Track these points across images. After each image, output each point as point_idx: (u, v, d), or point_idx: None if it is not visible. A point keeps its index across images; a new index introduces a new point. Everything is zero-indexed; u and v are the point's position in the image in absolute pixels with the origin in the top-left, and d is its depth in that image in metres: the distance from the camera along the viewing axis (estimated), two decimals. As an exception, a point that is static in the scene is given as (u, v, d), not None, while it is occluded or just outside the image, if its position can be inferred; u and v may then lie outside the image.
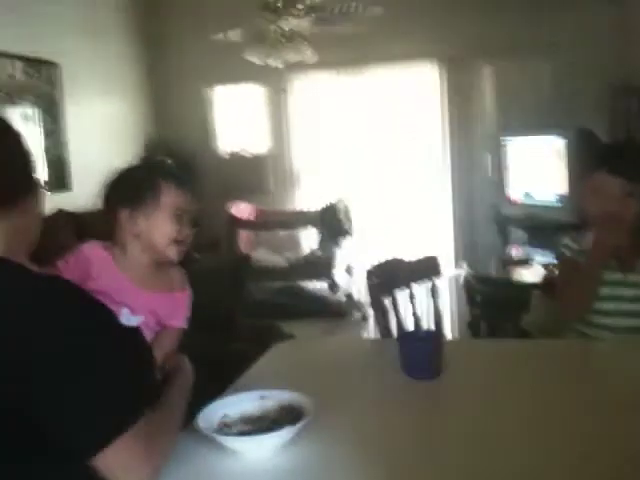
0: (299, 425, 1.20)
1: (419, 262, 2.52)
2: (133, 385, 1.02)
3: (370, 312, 4.94)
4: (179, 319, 1.56)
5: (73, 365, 0.96)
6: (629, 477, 1.07)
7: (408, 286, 2.35)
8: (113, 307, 1.22)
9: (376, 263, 2.38)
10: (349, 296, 5.35)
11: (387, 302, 2.26)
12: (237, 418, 1.27)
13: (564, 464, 1.12)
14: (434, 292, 2.40)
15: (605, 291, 2.04)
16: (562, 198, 4.38)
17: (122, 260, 1.52)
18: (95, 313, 1.03)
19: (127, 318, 1.42)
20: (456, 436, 1.26)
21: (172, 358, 1.44)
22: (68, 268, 1.46)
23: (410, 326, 2.24)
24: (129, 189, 1.52)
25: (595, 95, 4.89)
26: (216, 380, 1.55)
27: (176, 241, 1.52)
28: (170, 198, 1.51)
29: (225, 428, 1.24)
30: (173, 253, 1.53)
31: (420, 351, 1.52)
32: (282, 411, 1.28)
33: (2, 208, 1.04)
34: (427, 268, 2.48)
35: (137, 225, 1.50)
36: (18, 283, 1.00)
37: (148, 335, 1.47)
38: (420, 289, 2.41)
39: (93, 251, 1.52)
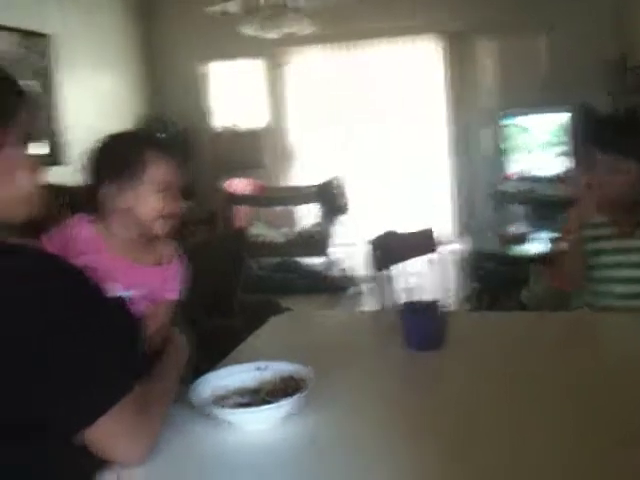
0: (298, 397, 1.16)
1: (417, 234, 2.49)
2: (120, 358, 0.98)
3: (365, 287, 4.92)
4: (171, 291, 1.51)
5: (55, 339, 0.91)
6: (627, 451, 1.03)
7: (406, 258, 2.31)
8: (101, 282, 1.17)
9: (375, 236, 2.35)
10: (344, 271, 5.31)
11: (386, 274, 2.22)
12: (233, 390, 1.23)
13: (564, 438, 1.08)
14: (433, 265, 2.36)
15: (606, 259, 2.05)
16: (561, 173, 4.35)
17: (109, 234, 1.47)
18: (77, 283, 0.98)
19: (116, 292, 1.38)
20: (458, 408, 1.22)
21: (165, 330, 1.39)
22: (52, 243, 1.41)
23: (410, 298, 2.20)
24: (114, 160, 1.45)
25: (595, 71, 4.82)
26: (212, 354, 1.51)
27: (163, 216, 1.47)
28: (157, 171, 1.44)
29: (220, 400, 1.19)
30: (160, 228, 1.48)
31: (423, 322, 1.48)
32: (280, 383, 1.23)
33: None
34: (425, 240, 2.44)
35: (123, 199, 1.44)
36: None
37: (139, 309, 1.43)
38: (418, 262, 2.38)
39: (79, 226, 1.46)
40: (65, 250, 1.40)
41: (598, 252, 2.07)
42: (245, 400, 1.20)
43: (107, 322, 0.98)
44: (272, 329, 1.77)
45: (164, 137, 1.61)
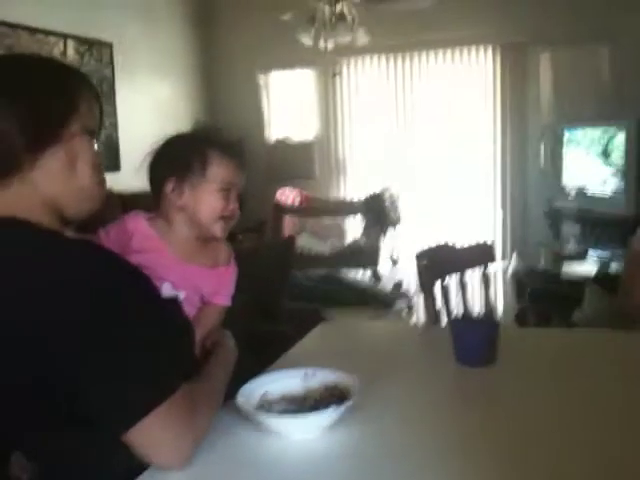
0: (345, 405, 1.13)
1: (471, 249, 2.43)
2: (168, 357, 0.96)
3: (415, 302, 4.85)
4: (223, 296, 1.50)
5: (100, 333, 0.89)
6: None
7: (458, 273, 2.26)
8: (155, 281, 1.17)
9: (426, 248, 2.30)
10: (397, 285, 5.25)
11: (437, 288, 2.17)
12: (279, 397, 1.20)
13: (615, 459, 1.03)
14: (486, 280, 2.30)
15: None
16: (619, 191, 4.21)
17: (166, 233, 1.46)
18: (129, 280, 0.97)
19: (169, 292, 1.37)
20: (509, 424, 1.17)
21: (214, 334, 1.37)
22: (109, 239, 1.41)
23: (460, 313, 2.15)
24: (176, 158, 1.45)
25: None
26: (259, 359, 1.50)
27: (222, 216, 1.45)
28: (219, 170, 1.43)
29: (267, 406, 1.17)
30: (219, 229, 1.46)
31: (475, 335, 1.44)
32: (326, 391, 1.20)
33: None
34: (479, 255, 2.39)
35: (182, 197, 1.43)
36: (43, 246, 0.94)
37: (191, 312, 1.42)
38: (471, 277, 2.33)
39: (136, 222, 1.46)
40: (121, 246, 1.40)
41: None
42: (292, 407, 1.18)
43: (158, 320, 0.97)
44: (320, 336, 1.74)
45: (226, 138, 1.59)
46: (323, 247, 5.58)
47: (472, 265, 2.33)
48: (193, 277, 1.45)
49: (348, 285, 5.33)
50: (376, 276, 5.33)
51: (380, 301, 5.06)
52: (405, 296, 5.08)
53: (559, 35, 5.02)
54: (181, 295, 1.39)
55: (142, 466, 0.97)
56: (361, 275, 5.49)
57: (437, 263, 2.24)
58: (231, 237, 1.58)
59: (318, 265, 5.44)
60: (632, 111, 4.37)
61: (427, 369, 1.50)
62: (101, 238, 1.42)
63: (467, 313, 2.15)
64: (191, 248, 1.47)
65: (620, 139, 4.21)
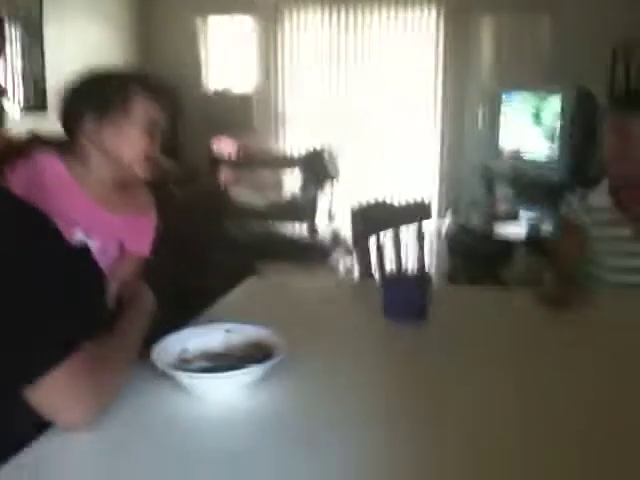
0: (267, 364, 1.07)
1: (407, 206, 2.41)
2: (73, 311, 0.88)
3: (346, 257, 4.85)
4: (142, 246, 1.42)
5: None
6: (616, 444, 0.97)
7: (392, 229, 2.23)
8: (66, 228, 1.07)
9: (362, 204, 2.26)
10: (334, 236, 5.21)
11: (371, 244, 2.14)
12: (198, 353, 1.14)
13: (546, 421, 1.02)
14: (420, 237, 2.28)
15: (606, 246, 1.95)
16: (552, 156, 4.28)
17: (83, 176, 1.36)
18: (28, 228, 0.88)
19: (80, 240, 1.28)
20: (434, 385, 1.15)
21: (131, 286, 1.28)
22: (17, 177, 1.30)
23: (393, 269, 2.13)
24: (97, 94, 1.34)
25: (596, 54, 4.72)
26: (180, 313, 1.43)
27: (145, 157, 1.37)
28: (144, 108, 1.34)
29: (184, 363, 1.10)
30: (142, 170, 1.38)
31: (406, 292, 1.40)
32: (249, 348, 1.15)
33: None
34: (415, 213, 2.36)
35: (103, 136, 1.33)
36: None
37: (106, 262, 1.33)
38: (404, 233, 2.30)
39: (49, 162, 1.35)
40: (30, 186, 1.30)
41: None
42: (212, 364, 1.11)
43: (61, 273, 0.88)
44: (246, 292, 1.68)
45: (151, 76, 1.49)
46: (260, 200, 5.49)
47: (407, 222, 2.31)
48: (111, 225, 1.37)
49: (284, 239, 5.29)
50: (313, 230, 5.29)
51: (316, 254, 5.04)
52: (341, 248, 5.06)
53: (502, 1, 4.99)
54: (93, 244, 1.30)
55: (46, 425, 0.90)
56: (298, 229, 5.45)
57: (372, 219, 2.20)
58: (161, 186, 1.49)
59: (254, 218, 5.36)
60: (569, 79, 4.40)
61: (357, 326, 1.47)
62: (7, 177, 1.31)
63: (400, 270, 2.13)
64: (108, 192, 1.38)
65: (556, 106, 4.25)
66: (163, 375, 1.07)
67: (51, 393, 0.85)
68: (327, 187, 5.43)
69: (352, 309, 1.61)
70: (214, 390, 1.07)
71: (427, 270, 2.28)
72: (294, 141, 5.80)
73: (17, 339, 0.83)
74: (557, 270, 1.86)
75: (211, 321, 1.27)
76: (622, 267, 1.93)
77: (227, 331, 1.19)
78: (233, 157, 5.59)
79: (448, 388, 1.14)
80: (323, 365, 1.22)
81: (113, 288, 1.21)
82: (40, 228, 0.89)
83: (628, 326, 1.45)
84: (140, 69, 1.33)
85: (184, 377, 1.06)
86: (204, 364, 1.11)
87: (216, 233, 3.26)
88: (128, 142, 1.34)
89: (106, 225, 1.36)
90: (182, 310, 1.47)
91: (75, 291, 0.91)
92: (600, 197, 1.98)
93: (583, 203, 1.99)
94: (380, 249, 2.15)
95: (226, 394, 1.06)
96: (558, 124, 4.24)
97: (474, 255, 4.13)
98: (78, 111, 1.34)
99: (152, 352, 1.09)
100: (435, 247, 4.92)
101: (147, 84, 1.38)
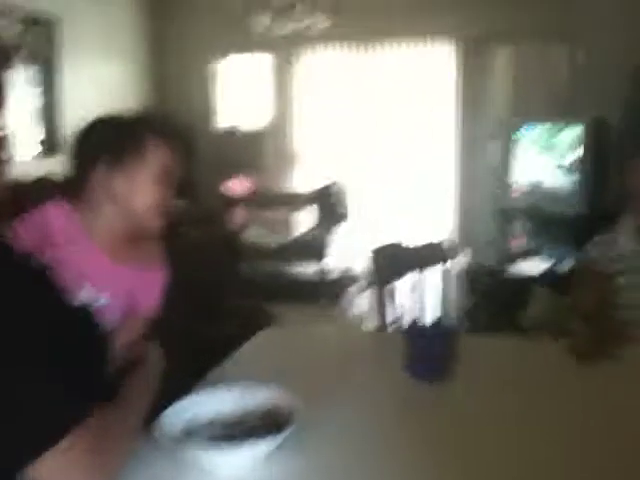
0: (280, 436, 0.99)
1: (422, 248, 2.34)
2: (73, 381, 0.80)
3: (360, 297, 4.77)
4: (151, 303, 1.35)
5: None
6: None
7: (412, 272, 2.16)
8: (73, 281, 1.02)
9: (377, 246, 2.19)
10: (348, 272, 5.13)
11: (388, 289, 2.07)
12: (208, 422, 1.05)
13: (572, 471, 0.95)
14: (444, 281, 2.20)
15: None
16: (571, 190, 4.20)
17: (92, 226, 1.31)
18: (25, 289, 0.81)
19: (88, 296, 1.22)
20: (461, 449, 1.07)
21: (138, 347, 1.19)
22: (26, 230, 1.25)
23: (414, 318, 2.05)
24: (109, 140, 1.29)
25: (613, 83, 4.68)
26: (198, 366, 1.36)
27: (157, 206, 1.31)
28: (157, 155, 1.28)
29: (192, 434, 1.02)
30: (154, 221, 1.32)
31: (431, 349, 1.31)
32: (262, 414, 1.07)
33: None
34: (431, 255, 2.29)
35: (115, 184, 1.28)
36: None
37: (114, 319, 1.27)
38: (422, 277, 2.23)
39: (57, 212, 1.30)
40: (39, 237, 1.25)
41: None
42: (222, 433, 1.03)
43: (56, 338, 0.81)
44: (260, 345, 1.60)
45: (164, 120, 1.44)
46: (272, 240, 5.44)
47: (423, 265, 2.23)
48: (120, 278, 1.31)
49: (296, 279, 5.22)
50: (325, 269, 5.22)
51: (328, 294, 4.96)
52: (355, 287, 4.98)
53: (520, 32, 4.97)
54: (102, 301, 1.24)
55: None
56: (310, 268, 5.37)
57: (390, 263, 2.14)
58: (171, 229, 1.44)
59: (266, 259, 5.30)
60: (588, 111, 4.35)
61: (375, 383, 1.38)
62: (17, 231, 1.26)
63: (422, 319, 2.05)
64: (120, 245, 1.32)
65: (574, 138, 4.19)
66: (169, 449, 0.99)
67: (52, 474, 0.78)
68: (340, 226, 5.37)
69: (370, 362, 1.53)
70: (223, 463, 0.98)
71: (453, 320, 2.19)
72: (308, 179, 5.77)
73: (11, 413, 0.76)
74: (585, 322, 1.77)
75: (224, 381, 1.19)
76: None
77: (240, 394, 1.11)
78: (245, 197, 5.56)
79: (472, 457, 1.05)
80: (339, 430, 1.13)
81: (117, 350, 1.14)
82: (39, 292, 0.84)
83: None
84: (155, 112, 1.29)
85: (191, 451, 0.98)
86: (215, 432, 1.03)
87: (231, 276, 3.21)
88: (140, 191, 1.29)
89: (115, 277, 1.30)
90: (197, 362, 1.40)
91: (77, 356, 0.84)
92: (630, 240, 1.90)
93: (610, 248, 1.91)
94: (398, 294, 2.07)
95: (237, 467, 0.98)
96: (576, 158, 4.17)
97: (491, 296, 4.03)
98: (90, 156, 1.29)
99: (157, 423, 1.01)
100: (452, 288, 4.82)
101: (161, 130, 1.33)
